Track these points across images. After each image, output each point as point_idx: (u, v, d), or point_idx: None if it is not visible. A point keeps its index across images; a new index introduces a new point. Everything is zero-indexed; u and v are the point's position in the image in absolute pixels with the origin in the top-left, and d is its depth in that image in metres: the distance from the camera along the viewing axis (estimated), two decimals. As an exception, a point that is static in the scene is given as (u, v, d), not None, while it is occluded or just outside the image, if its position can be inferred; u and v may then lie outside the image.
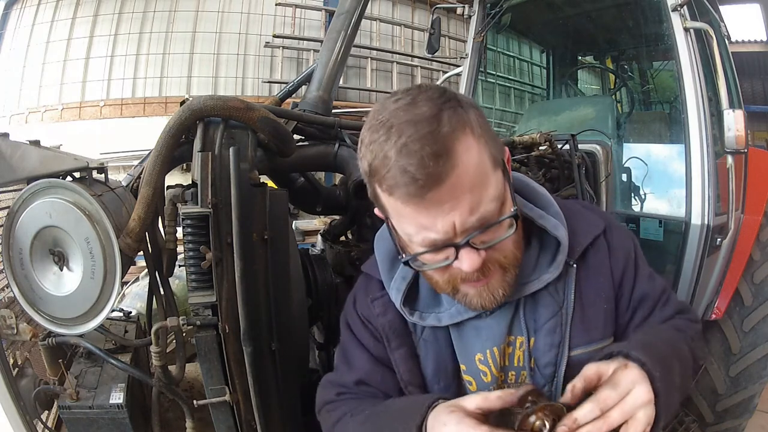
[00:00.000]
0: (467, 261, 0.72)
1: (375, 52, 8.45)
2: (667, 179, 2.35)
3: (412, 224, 0.70)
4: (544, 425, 0.64)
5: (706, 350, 0.92)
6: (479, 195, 0.69)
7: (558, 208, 0.87)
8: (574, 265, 0.85)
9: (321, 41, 5.76)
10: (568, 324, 0.84)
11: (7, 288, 1.08)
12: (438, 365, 0.89)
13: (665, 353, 0.75)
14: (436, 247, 0.72)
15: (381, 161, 0.68)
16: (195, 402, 1.10)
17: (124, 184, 1.24)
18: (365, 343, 0.93)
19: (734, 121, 2.04)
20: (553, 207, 0.87)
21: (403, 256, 0.77)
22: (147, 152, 1.11)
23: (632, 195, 2.50)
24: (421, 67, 8.81)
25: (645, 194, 2.45)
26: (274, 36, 7.84)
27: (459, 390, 0.91)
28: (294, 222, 4.42)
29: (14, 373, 1.23)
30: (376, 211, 0.78)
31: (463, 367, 0.90)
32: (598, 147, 2.21)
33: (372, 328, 0.92)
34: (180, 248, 1.09)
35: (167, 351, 1.15)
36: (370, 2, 1.77)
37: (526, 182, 0.91)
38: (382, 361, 0.92)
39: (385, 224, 0.85)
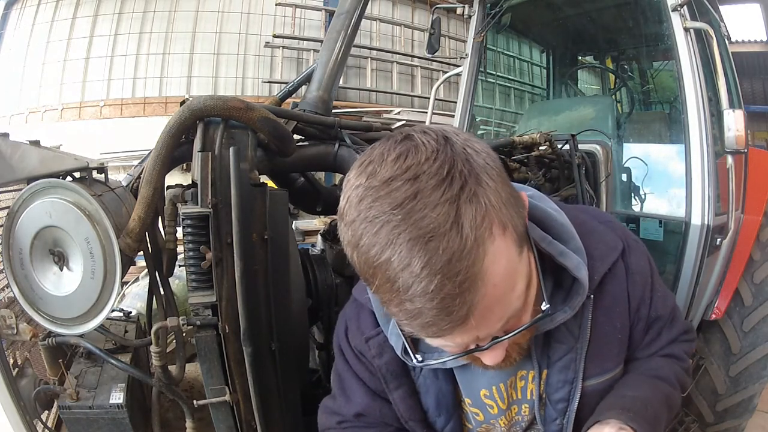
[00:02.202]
0: (490, 357, 0.67)
1: (375, 52, 8.45)
2: (667, 179, 2.35)
3: (425, 337, 0.62)
4: None
5: (691, 378, 0.95)
6: (507, 303, 0.59)
7: (579, 243, 0.77)
8: (591, 296, 0.79)
9: (321, 41, 5.76)
10: (583, 358, 0.81)
11: (7, 288, 1.08)
12: (439, 400, 0.87)
13: (658, 413, 0.80)
14: (460, 353, 0.66)
15: (383, 283, 0.54)
16: (195, 402, 1.10)
17: (124, 184, 1.24)
18: (361, 376, 0.89)
19: (734, 121, 2.04)
20: (575, 241, 0.77)
21: (416, 358, 0.71)
22: (147, 152, 1.11)
23: (632, 195, 2.50)
24: (421, 67, 8.81)
25: (645, 194, 2.45)
26: (274, 36, 7.84)
27: (460, 421, 0.90)
28: (294, 222, 4.42)
29: (14, 373, 1.23)
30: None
31: (468, 400, 0.88)
32: (598, 147, 2.21)
33: (367, 362, 0.88)
34: (180, 248, 1.09)
35: (167, 351, 1.15)
36: (370, 2, 1.77)
37: (546, 212, 0.79)
38: (379, 394, 0.89)
39: None
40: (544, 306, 0.67)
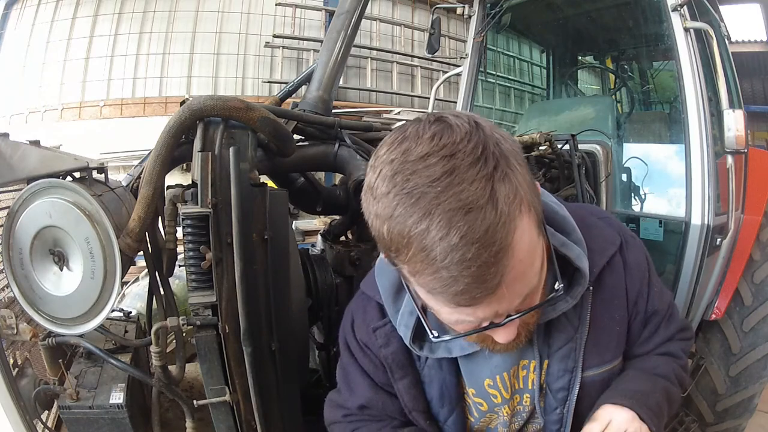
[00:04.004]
0: (502, 335, 0.68)
1: (375, 52, 8.44)
2: (667, 179, 2.35)
3: (446, 310, 0.62)
4: None
5: (689, 376, 0.97)
6: (528, 279, 0.62)
7: (580, 234, 0.80)
8: (590, 288, 0.81)
9: (321, 41, 5.76)
10: (582, 348, 0.83)
11: (7, 288, 1.08)
12: (442, 391, 0.88)
13: (660, 404, 0.83)
14: (474, 330, 0.66)
15: (417, 252, 0.56)
16: (195, 402, 1.11)
17: (124, 184, 1.24)
18: (366, 368, 0.91)
19: (734, 121, 2.04)
20: (576, 233, 0.80)
21: (433, 334, 0.71)
22: (147, 152, 1.12)
23: (632, 195, 2.50)
24: (421, 67, 8.81)
25: (645, 194, 2.45)
26: (274, 36, 7.84)
27: (463, 413, 0.91)
28: (294, 222, 4.42)
29: (14, 373, 1.23)
30: (384, 256, 0.67)
31: (472, 390, 0.89)
32: (598, 147, 2.21)
33: (372, 355, 0.90)
34: (180, 248, 1.09)
35: (167, 351, 1.15)
36: (370, 2, 1.77)
37: (548, 205, 0.81)
38: (383, 386, 0.91)
39: None
40: (558, 285, 0.69)
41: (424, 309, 0.72)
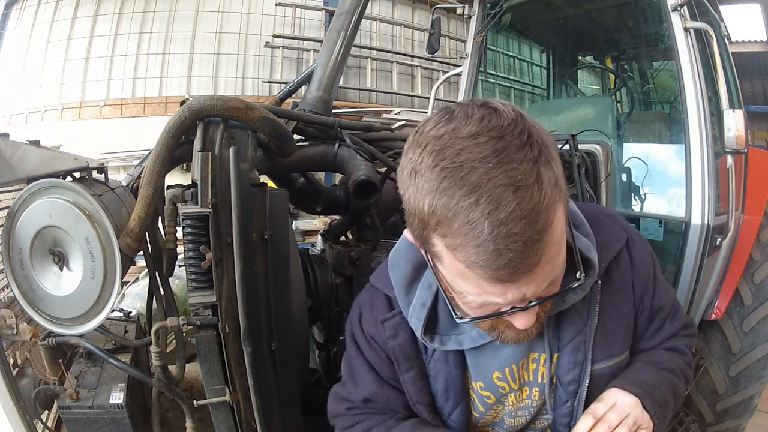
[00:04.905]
0: (522, 320, 0.69)
1: (375, 52, 8.45)
2: (667, 179, 2.34)
3: (476, 289, 0.63)
4: None
5: (693, 372, 0.99)
6: (556, 264, 0.64)
7: (588, 228, 0.82)
8: (599, 282, 0.83)
9: (321, 41, 5.76)
10: (591, 341, 0.84)
11: (7, 288, 1.09)
12: (447, 385, 0.88)
13: (666, 396, 0.85)
14: (496, 313, 0.67)
15: (462, 225, 0.57)
16: (195, 402, 1.11)
17: (124, 184, 1.25)
18: (371, 361, 0.92)
19: (734, 121, 2.04)
20: (585, 226, 0.82)
21: (456, 315, 0.72)
22: (147, 152, 1.12)
23: (632, 195, 2.49)
24: (421, 67, 8.81)
25: (645, 194, 2.44)
26: (274, 36, 7.84)
27: (468, 408, 0.91)
28: (294, 222, 4.42)
29: (14, 373, 1.23)
30: (407, 233, 0.69)
31: (480, 384, 0.89)
32: (598, 147, 2.21)
33: (378, 348, 0.90)
34: (180, 248, 1.10)
35: (167, 351, 1.15)
36: (370, 2, 1.77)
37: None
38: (387, 380, 0.91)
39: (401, 243, 0.85)
40: (579, 275, 0.71)
41: (445, 293, 0.72)
